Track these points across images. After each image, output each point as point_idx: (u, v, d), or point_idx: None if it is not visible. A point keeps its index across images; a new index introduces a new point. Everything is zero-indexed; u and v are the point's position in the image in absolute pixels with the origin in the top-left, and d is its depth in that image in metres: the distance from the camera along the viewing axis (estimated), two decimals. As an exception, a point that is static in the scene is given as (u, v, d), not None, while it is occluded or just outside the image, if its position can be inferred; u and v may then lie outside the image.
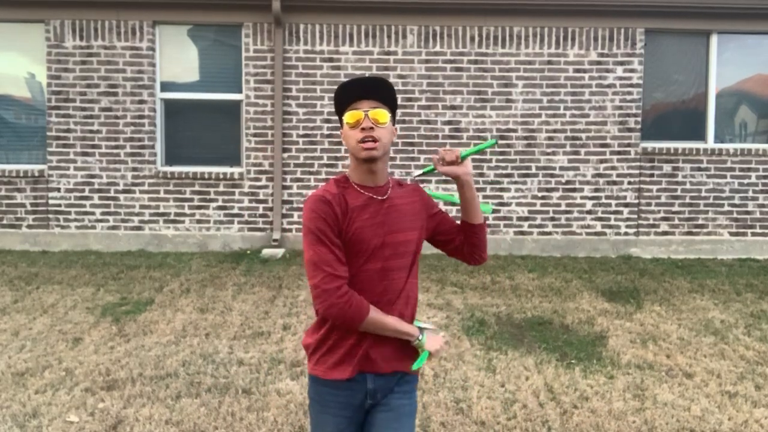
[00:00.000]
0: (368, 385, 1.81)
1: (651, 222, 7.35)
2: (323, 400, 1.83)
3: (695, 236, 7.35)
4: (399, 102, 7.19)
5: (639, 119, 7.26)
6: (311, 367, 1.85)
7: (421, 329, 1.86)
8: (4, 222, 7.22)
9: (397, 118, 7.19)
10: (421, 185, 1.92)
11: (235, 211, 7.27)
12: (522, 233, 7.31)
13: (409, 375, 1.89)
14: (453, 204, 1.89)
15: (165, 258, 6.77)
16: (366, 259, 1.76)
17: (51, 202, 7.21)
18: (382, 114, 1.75)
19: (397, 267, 1.80)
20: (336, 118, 7.17)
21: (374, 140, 1.73)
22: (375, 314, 1.74)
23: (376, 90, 1.77)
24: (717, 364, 4.07)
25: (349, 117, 1.76)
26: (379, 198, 1.81)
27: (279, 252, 6.90)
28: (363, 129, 1.73)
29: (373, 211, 1.79)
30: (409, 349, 1.86)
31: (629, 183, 7.30)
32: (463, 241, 1.95)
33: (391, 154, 7.22)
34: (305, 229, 1.74)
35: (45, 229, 7.23)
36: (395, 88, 7.21)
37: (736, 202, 7.34)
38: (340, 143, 7.20)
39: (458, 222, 1.98)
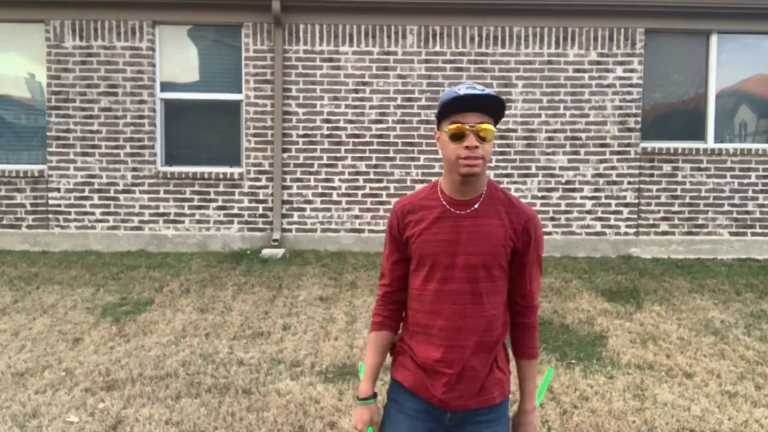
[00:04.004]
0: (448, 412, 1.74)
1: (651, 222, 7.35)
2: (402, 400, 1.78)
3: (695, 236, 7.35)
4: (398, 102, 7.20)
5: (639, 119, 7.26)
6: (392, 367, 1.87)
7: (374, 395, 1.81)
8: (4, 222, 7.22)
9: (397, 118, 7.22)
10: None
11: (235, 211, 7.27)
12: (522, 233, 7.29)
13: (499, 406, 1.78)
14: None
15: (165, 258, 6.77)
16: (435, 278, 1.70)
17: (51, 202, 7.21)
18: (489, 130, 1.64)
19: (471, 292, 1.69)
20: (336, 119, 7.19)
21: (477, 158, 1.63)
22: (368, 344, 1.82)
23: (486, 104, 1.64)
24: (717, 364, 4.07)
25: (452, 132, 1.64)
26: (460, 213, 1.71)
27: (279, 252, 6.90)
28: (467, 147, 1.62)
29: (445, 226, 1.70)
30: (490, 380, 1.75)
31: (629, 183, 7.30)
32: (511, 311, 1.80)
33: (391, 154, 7.23)
34: None
35: (45, 229, 7.23)
36: (395, 88, 7.15)
37: (736, 202, 7.34)
38: (340, 143, 7.20)
39: (532, 299, 1.80)
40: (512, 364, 1.90)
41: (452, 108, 1.64)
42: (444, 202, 1.72)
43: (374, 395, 1.80)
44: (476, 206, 1.71)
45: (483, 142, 1.63)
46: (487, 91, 1.64)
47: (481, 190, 1.73)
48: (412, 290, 1.77)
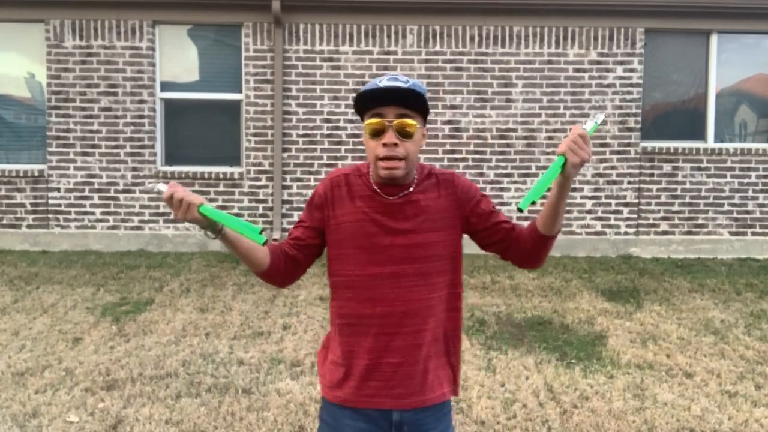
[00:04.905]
0: (393, 416, 1.57)
1: (651, 221, 7.35)
2: (341, 425, 1.59)
3: (695, 236, 7.35)
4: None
5: (639, 119, 7.26)
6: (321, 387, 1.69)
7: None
8: (4, 222, 7.22)
9: (397, 117, 7.21)
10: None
11: (235, 210, 7.26)
12: (522, 233, 7.29)
13: (444, 407, 1.64)
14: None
15: (165, 258, 6.77)
16: (371, 261, 1.55)
17: (51, 201, 7.21)
18: (410, 124, 1.48)
19: (414, 273, 1.55)
20: (336, 119, 7.19)
21: (398, 158, 1.49)
22: None
23: (405, 98, 1.48)
24: (717, 363, 4.07)
25: (370, 128, 1.50)
26: (391, 198, 1.57)
27: (279, 252, 6.90)
28: (386, 145, 1.48)
29: (381, 205, 1.56)
30: (438, 375, 1.61)
31: (629, 182, 7.30)
32: (514, 246, 1.61)
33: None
34: None
35: (45, 229, 7.23)
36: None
37: (736, 201, 7.34)
38: (340, 143, 7.20)
39: (509, 222, 1.63)
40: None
41: (371, 100, 1.49)
42: (375, 187, 1.58)
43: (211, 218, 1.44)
44: (413, 187, 1.58)
45: (405, 140, 1.48)
46: (412, 82, 1.50)
47: (411, 178, 1.59)
48: (340, 277, 1.61)
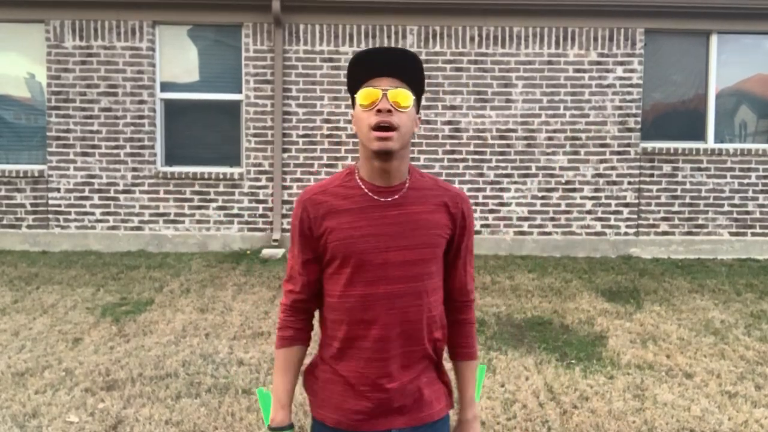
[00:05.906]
0: None
1: (651, 222, 7.35)
2: None
3: (695, 236, 7.35)
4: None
5: (639, 119, 7.26)
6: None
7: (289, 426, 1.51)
8: (4, 222, 7.22)
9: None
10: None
11: (235, 211, 7.27)
12: (522, 233, 7.31)
13: (442, 421, 1.56)
14: None
15: (165, 258, 6.77)
16: (363, 280, 1.45)
17: (51, 202, 7.21)
18: (405, 96, 1.41)
19: (409, 293, 1.46)
20: (336, 119, 7.19)
21: (391, 128, 1.39)
22: (278, 364, 1.55)
23: (401, 66, 1.43)
24: (717, 364, 4.07)
25: (363, 96, 1.42)
26: (386, 200, 1.47)
27: (279, 252, 6.90)
28: (379, 111, 1.39)
29: (372, 218, 1.46)
30: (434, 391, 1.55)
31: (629, 183, 7.30)
32: (449, 302, 1.61)
33: (391, 154, 7.21)
34: None
35: (45, 229, 7.23)
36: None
37: (736, 202, 7.34)
38: (340, 143, 7.20)
39: (472, 284, 1.63)
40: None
41: (361, 73, 1.44)
42: (365, 189, 1.48)
43: (291, 425, 1.52)
44: (403, 191, 1.48)
45: (399, 110, 1.40)
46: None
47: (404, 177, 1.50)
48: (330, 298, 1.51)
